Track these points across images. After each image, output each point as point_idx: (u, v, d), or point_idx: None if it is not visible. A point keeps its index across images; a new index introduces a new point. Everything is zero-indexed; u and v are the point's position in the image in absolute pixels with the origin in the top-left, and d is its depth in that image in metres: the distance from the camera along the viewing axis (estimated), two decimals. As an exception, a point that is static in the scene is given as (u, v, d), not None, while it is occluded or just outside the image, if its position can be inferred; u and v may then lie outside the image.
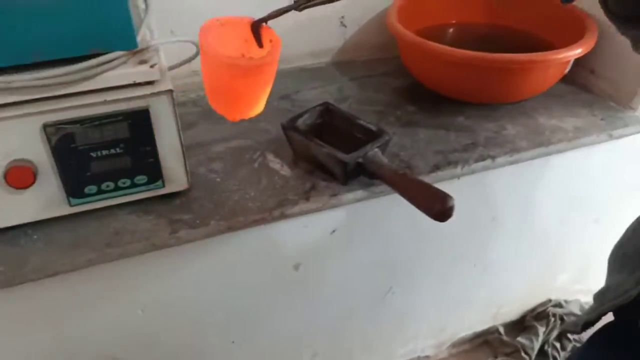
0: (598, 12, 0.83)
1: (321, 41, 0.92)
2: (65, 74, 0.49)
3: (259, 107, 0.55)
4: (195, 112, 0.80)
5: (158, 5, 0.61)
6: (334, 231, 0.69)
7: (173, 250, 0.59)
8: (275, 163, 0.68)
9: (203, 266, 0.64)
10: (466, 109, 0.80)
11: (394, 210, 0.70)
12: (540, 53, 0.69)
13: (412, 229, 0.75)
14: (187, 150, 0.70)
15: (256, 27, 0.52)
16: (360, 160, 0.61)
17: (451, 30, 0.92)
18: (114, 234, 0.57)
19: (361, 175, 0.64)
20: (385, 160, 0.62)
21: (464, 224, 0.77)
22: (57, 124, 0.51)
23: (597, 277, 1.07)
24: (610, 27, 0.81)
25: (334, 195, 0.63)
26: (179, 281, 0.64)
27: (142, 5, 0.60)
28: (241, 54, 0.53)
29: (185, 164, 0.59)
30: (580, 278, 1.01)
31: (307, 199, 0.62)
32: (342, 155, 0.61)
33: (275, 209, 0.61)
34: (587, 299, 1.05)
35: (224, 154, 0.70)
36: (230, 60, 0.49)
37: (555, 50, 0.70)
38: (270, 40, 0.52)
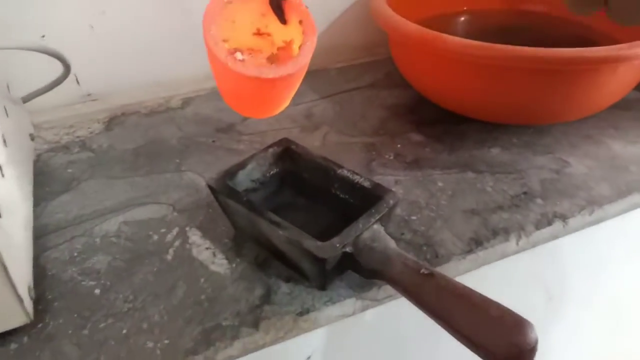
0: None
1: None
2: None
3: (285, 104, 0.42)
4: (83, 161, 0.51)
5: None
6: (309, 358, 0.41)
7: None
8: (202, 249, 0.40)
9: None
10: (499, 134, 0.53)
11: (403, 312, 0.42)
12: (627, 44, 0.43)
13: (430, 332, 0.47)
14: (53, 233, 0.42)
15: (276, 2, 0.36)
16: (348, 250, 0.34)
17: (462, 19, 0.66)
18: None
19: (350, 270, 0.37)
20: (392, 245, 0.34)
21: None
22: None
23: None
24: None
25: (304, 312, 0.35)
26: None
27: None
28: (256, 29, 0.38)
29: (11, 284, 0.31)
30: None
31: (256, 326, 0.34)
32: (313, 245, 0.33)
33: (195, 352, 0.33)
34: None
35: (116, 236, 0.42)
36: (245, 70, 0.34)
37: (647, 39, 0.44)
38: (300, 22, 0.36)
